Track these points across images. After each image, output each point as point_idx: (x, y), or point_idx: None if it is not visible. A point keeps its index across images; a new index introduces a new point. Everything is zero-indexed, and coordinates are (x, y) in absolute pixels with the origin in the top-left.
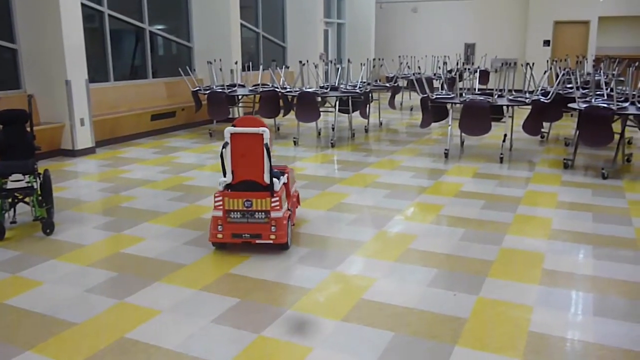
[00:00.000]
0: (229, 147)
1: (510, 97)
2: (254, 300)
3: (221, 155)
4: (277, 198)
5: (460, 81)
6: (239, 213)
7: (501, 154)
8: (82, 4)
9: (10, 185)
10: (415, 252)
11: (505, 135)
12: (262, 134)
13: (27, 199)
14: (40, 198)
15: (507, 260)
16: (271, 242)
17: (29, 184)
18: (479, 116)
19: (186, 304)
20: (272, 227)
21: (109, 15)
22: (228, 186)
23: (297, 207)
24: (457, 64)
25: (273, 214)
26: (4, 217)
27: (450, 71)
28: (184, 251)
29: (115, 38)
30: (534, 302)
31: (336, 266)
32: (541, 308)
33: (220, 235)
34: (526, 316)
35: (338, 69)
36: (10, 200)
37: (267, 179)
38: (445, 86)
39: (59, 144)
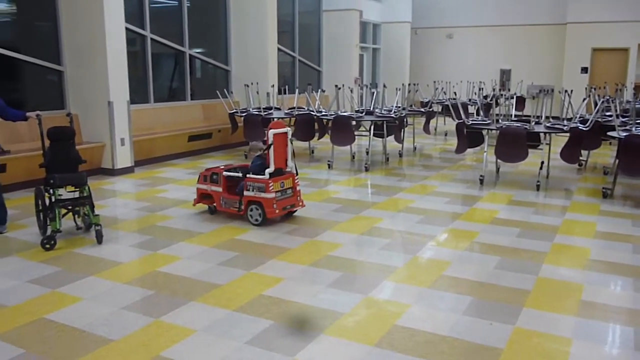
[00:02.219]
0: (272, 146)
1: (548, 124)
2: (288, 322)
3: (267, 152)
4: (297, 177)
5: (496, 107)
6: (280, 192)
7: (538, 181)
8: (126, 28)
9: (65, 196)
10: (449, 279)
11: (542, 163)
12: (286, 133)
13: (77, 209)
14: (88, 208)
15: (544, 290)
16: (300, 207)
17: (84, 194)
18: (516, 143)
19: (220, 325)
20: (298, 197)
21: (151, 39)
22: (270, 175)
23: None
24: (493, 90)
25: (297, 188)
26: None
27: (485, 97)
28: (218, 271)
29: (156, 61)
30: (572, 334)
31: (369, 291)
32: (580, 341)
33: (277, 211)
34: (564, 349)
35: (373, 93)
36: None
37: (290, 165)
38: (481, 112)
39: (100, 163)
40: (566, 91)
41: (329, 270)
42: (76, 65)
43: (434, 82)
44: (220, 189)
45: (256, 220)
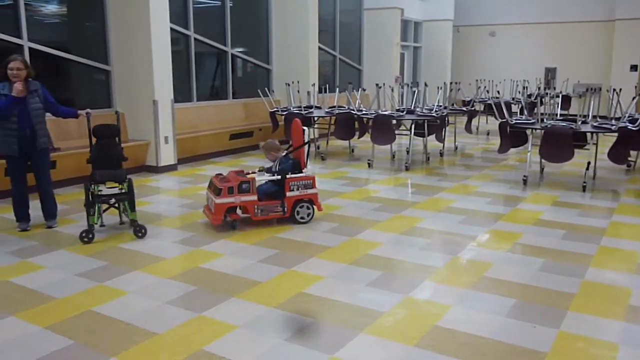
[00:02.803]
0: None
1: (595, 124)
2: (327, 321)
3: (308, 150)
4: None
5: (540, 106)
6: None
7: (584, 182)
8: (171, 28)
9: (105, 192)
10: (491, 280)
11: (588, 163)
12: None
13: (118, 205)
14: (128, 203)
15: (590, 294)
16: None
17: (122, 190)
18: (561, 143)
19: (261, 321)
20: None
21: (195, 39)
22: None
23: None
24: (538, 88)
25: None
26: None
27: (530, 95)
28: (259, 269)
29: (199, 60)
30: (619, 340)
31: (409, 291)
32: (627, 347)
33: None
34: (611, 354)
35: (414, 92)
36: (101, 206)
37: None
38: (525, 111)
39: (144, 161)
40: (614, 90)
41: (369, 269)
42: (123, 64)
43: (476, 80)
44: (254, 198)
45: (302, 218)
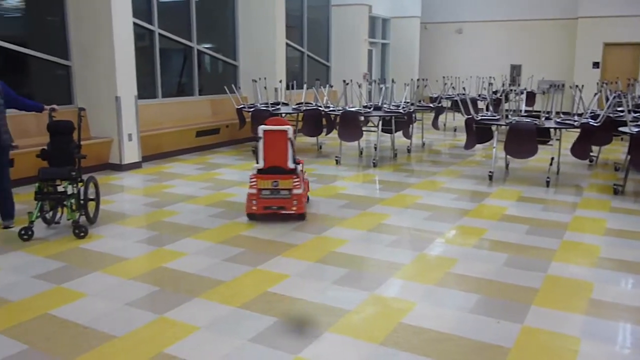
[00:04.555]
0: (261, 141)
1: (558, 120)
2: (290, 319)
3: (256, 147)
4: (298, 179)
5: (506, 102)
6: (268, 191)
7: (548, 177)
8: (134, 23)
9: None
10: (456, 276)
11: (552, 159)
12: (286, 131)
13: (52, 203)
14: (73, 202)
15: (552, 288)
16: (293, 212)
17: (64, 190)
18: (525, 138)
19: (224, 322)
20: (294, 201)
21: (159, 34)
22: (260, 170)
23: (307, 192)
24: (503, 85)
25: (295, 191)
26: (38, 219)
27: (495, 92)
28: (223, 268)
29: (164, 56)
30: (580, 333)
31: (375, 288)
32: (588, 340)
33: (254, 208)
34: (573, 347)
35: (381, 88)
36: (50, 203)
37: (290, 165)
38: (490, 107)
39: (107, 158)
40: (577, 86)
41: (335, 267)
42: (83, 60)
43: (444, 77)
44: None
45: None
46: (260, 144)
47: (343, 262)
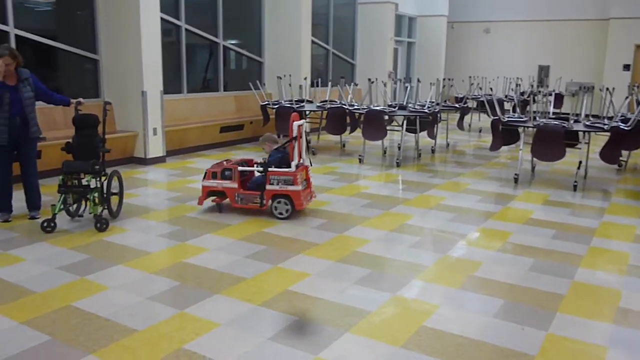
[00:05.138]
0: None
1: (587, 123)
2: (312, 320)
3: (292, 144)
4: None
5: (533, 104)
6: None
7: (575, 181)
8: (161, 18)
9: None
10: (480, 280)
11: (580, 163)
12: (302, 125)
13: (76, 197)
14: (96, 196)
15: (579, 295)
16: (313, 199)
17: (87, 183)
18: (553, 141)
19: (244, 319)
20: (312, 190)
21: (186, 30)
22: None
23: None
24: (531, 86)
25: (311, 180)
26: (61, 211)
27: (522, 93)
28: (245, 265)
29: (190, 51)
30: (608, 342)
31: (397, 290)
32: (616, 349)
33: (304, 203)
34: (600, 357)
35: (407, 87)
36: (73, 196)
37: (303, 157)
38: (518, 109)
39: (132, 152)
40: (607, 89)
41: (357, 266)
42: (111, 54)
43: (470, 77)
44: (235, 185)
45: (280, 213)
46: (297, 142)
47: (365, 262)
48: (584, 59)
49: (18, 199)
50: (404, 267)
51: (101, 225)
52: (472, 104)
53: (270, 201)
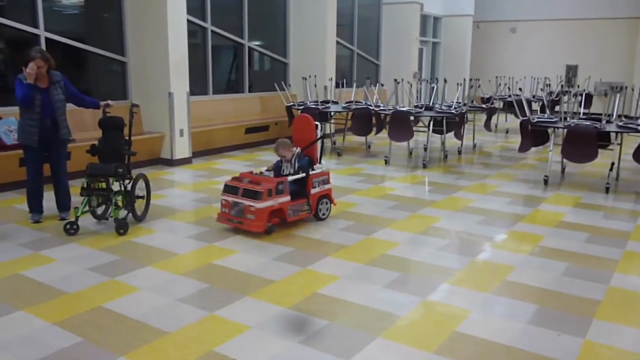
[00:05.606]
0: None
1: (620, 123)
2: (343, 324)
3: (322, 146)
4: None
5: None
6: None
7: (607, 183)
8: (188, 20)
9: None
10: (513, 284)
11: (612, 164)
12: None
13: (98, 199)
14: (119, 199)
15: (616, 301)
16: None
17: (109, 185)
18: (585, 142)
19: (274, 322)
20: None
21: (212, 31)
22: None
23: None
24: (561, 86)
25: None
26: (85, 214)
27: (551, 93)
28: (273, 267)
29: (216, 53)
30: None
31: (427, 294)
32: None
33: None
34: None
35: (434, 88)
36: (97, 199)
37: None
38: (546, 109)
39: (159, 153)
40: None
41: (385, 270)
42: (139, 56)
43: (496, 77)
44: (288, 198)
45: (324, 214)
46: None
47: (393, 265)
48: (613, 58)
49: (48, 199)
50: (433, 270)
51: (120, 228)
52: (498, 104)
53: (316, 204)
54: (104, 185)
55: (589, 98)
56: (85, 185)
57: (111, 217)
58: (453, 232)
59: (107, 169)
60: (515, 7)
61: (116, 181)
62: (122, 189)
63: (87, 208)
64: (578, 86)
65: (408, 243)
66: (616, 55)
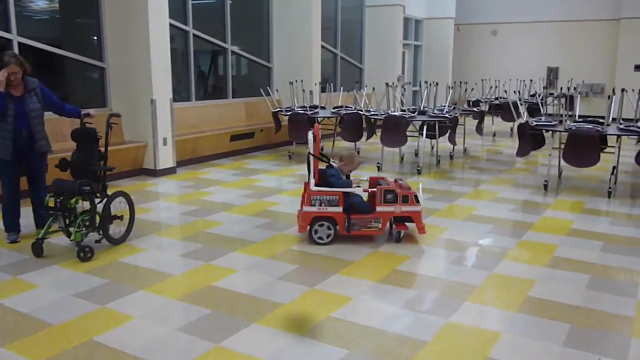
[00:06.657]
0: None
1: (621, 126)
2: (363, 351)
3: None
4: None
5: (549, 105)
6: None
7: (609, 187)
8: (170, 24)
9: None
10: (538, 301)
11: (614, 168)
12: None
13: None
14: (83, 220)
15: None
16: None
17: (71, 207)
18: (587, 146)
19: (288, 353)
20: None
21: (194, 35)
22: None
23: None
24: (544, 88)
25: None
26: (49, 235)
27: (533, 95)
28: (278, 287)
29: (198, 57)
30: None
31: (450, 315)
32: None
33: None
34: None
35: (419, 91)
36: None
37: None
38: (541, 110)
39: (142, 164)
40: (633, 90)
41: (401, 287)
42: (119, 61)
43: (482, 80)
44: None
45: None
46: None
47: (408, 281)
48: (595, 60)
49: (25, 216)
50: (452, 286)
51: (83, 253)
52: (484, 107)
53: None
54: (72, 203)
55: (571, 100)
56: (45, 204)
57: (71, 240)
58: (463, 243)
59: (71, 185)
60: (496, 9)
61: (83, 200)
62: (93, 208)
63: (54, 228)
64: (561, 88)
65: (418, 256)
66: (597, 57)
